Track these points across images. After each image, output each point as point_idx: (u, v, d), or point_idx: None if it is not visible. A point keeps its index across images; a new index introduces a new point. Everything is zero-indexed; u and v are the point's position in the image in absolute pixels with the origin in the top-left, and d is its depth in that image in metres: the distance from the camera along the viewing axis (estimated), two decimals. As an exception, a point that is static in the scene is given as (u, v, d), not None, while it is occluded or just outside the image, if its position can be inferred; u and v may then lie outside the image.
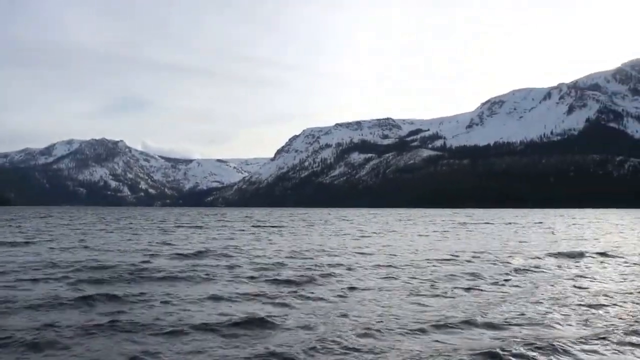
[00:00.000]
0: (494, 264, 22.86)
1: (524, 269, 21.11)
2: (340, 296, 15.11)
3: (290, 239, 38.39)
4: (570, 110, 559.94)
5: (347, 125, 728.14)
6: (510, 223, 73.89)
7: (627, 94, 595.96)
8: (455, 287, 16.67)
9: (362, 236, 42.60)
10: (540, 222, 76.76)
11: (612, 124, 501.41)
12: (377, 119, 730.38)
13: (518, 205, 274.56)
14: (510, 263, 23.25)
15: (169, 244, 32.85)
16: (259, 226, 61.40)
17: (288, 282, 17.40)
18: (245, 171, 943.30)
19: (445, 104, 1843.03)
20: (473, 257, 25.67)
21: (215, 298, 14.54)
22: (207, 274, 18.90)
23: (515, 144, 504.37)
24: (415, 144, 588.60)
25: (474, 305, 13.92)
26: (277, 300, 14.32)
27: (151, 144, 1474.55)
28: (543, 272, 20.64)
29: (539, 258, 25.52)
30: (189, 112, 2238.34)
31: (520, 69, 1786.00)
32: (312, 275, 18.61)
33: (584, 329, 11.62)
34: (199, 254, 25.95)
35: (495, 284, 17.53)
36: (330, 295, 15.13)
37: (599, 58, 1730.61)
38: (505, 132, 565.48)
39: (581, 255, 26.76)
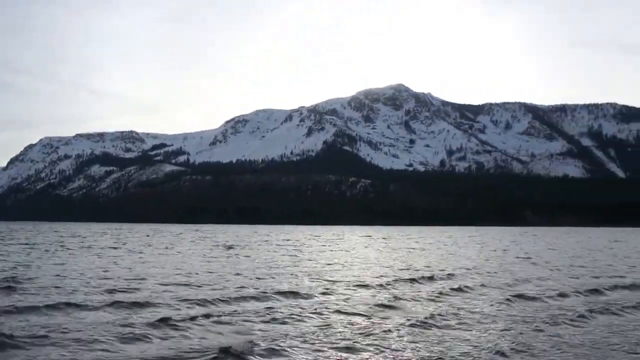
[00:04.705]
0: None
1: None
2: None
3: None
4: (310, 132, 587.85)
5: (89, 136, 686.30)
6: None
7: (360, 120, 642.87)
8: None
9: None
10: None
11: (346, 147, 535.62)
12: (121, 132, 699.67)
13: (257, 222, 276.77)
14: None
15: None
16: None
17: None
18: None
19: (190, 120, 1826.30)
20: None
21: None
22: None
23: (257, 162, 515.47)
24: (158, 158, 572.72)
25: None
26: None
27: None
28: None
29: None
30: None
31: (264, 90, 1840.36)
32: None
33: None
34: None
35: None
36: None
37: (338, 85, 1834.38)
38: (247, 150, 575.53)
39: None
